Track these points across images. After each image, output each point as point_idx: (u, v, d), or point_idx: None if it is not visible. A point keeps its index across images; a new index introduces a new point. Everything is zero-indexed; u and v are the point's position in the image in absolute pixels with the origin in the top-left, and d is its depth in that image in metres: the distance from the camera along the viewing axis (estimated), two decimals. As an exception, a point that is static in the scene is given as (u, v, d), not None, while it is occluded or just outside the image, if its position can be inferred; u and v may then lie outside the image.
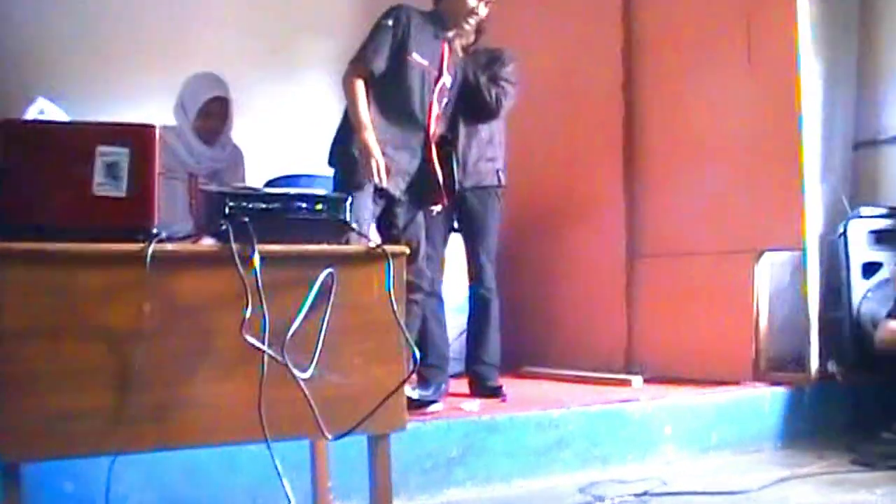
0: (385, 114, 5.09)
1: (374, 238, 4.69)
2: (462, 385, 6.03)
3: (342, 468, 3.78)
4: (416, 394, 5.29)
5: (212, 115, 5.04)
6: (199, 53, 6.28)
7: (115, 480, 3.13)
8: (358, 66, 5.01)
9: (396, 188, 5.13)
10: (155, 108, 5.07)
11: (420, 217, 5.37)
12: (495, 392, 5.79)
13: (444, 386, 5.81)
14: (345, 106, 5.05)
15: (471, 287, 6.00)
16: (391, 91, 5.10)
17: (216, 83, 5.08)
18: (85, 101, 6.01)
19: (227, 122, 5.13)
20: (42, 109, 4.49)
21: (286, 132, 7.34)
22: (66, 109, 5.01)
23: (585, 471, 5.15)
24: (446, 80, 5.33)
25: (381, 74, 5.03)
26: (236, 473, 4.32)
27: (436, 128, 5.30)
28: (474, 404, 5.47)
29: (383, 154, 4.89)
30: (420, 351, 5.81)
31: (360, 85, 4.96)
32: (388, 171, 4.89)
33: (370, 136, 4.87)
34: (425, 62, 5.16)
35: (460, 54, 5.70)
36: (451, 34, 5.35)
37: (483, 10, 5.33)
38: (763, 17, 6.38)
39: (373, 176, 4.81)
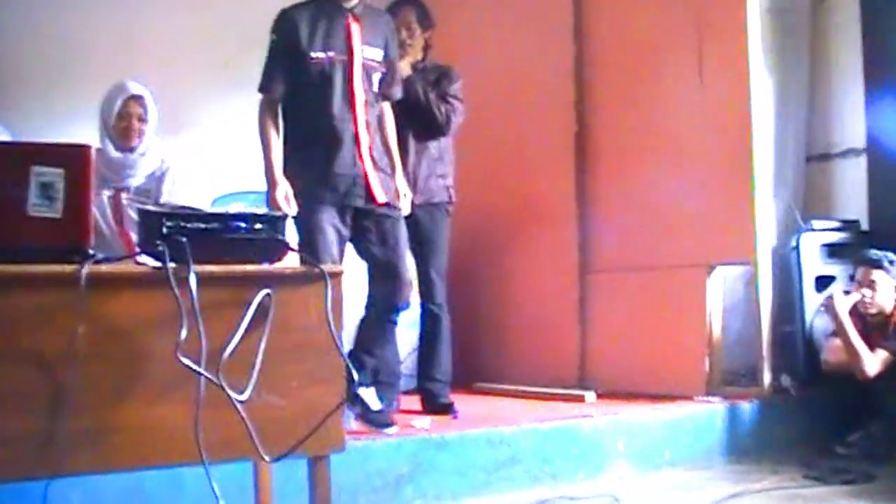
0: (309, 136, 4.96)
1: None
2: (414, 402, 6.01)
3: (289, 489, 3.75)
4: (372, 397, 5.27)
5: (130, 116, 4.99)
6: (147, 70, 6.20)
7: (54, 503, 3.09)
8: (263, 96, 4.98)
9: (355, 199, 4.99)
10: (93, 123, 5.06)
11: (400, 225, 5.19)
12: (447, 409, 5.79)
13: (394, 403, 5.79)
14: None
15: (421, 303, 6.00)
16: (306, 105, 4.96)
17: (132, 86, 5.05)
18: (30, 119, 6.00)
19: (149, 128, 5.07)
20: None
21: (238, 147, 7.29)
22: (12, 128, 4.97)
23: (536, 488, 5.12)
24: (366, 53, 5.03)
25: (290, 93, 4.95)
26: (180, 495, 4.28)
27: (366, 115, 5.02)
28: (425, 421, 5.43)
29: (322, 178, 4.89)
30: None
31: (269, 124, 4.96)
32: (336, 191, 4.90)
33: (281, 194, 4.79)
34: (329, 53, 4.93)
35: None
36: (349, 6, 5.01)
37: None
38: (714, 33, 6.39)
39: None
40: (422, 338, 6.07)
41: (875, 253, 5.99)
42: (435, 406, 5.84)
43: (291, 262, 2.87)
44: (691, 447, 5.82)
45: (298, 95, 4.95)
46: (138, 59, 6.77)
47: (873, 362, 5.74)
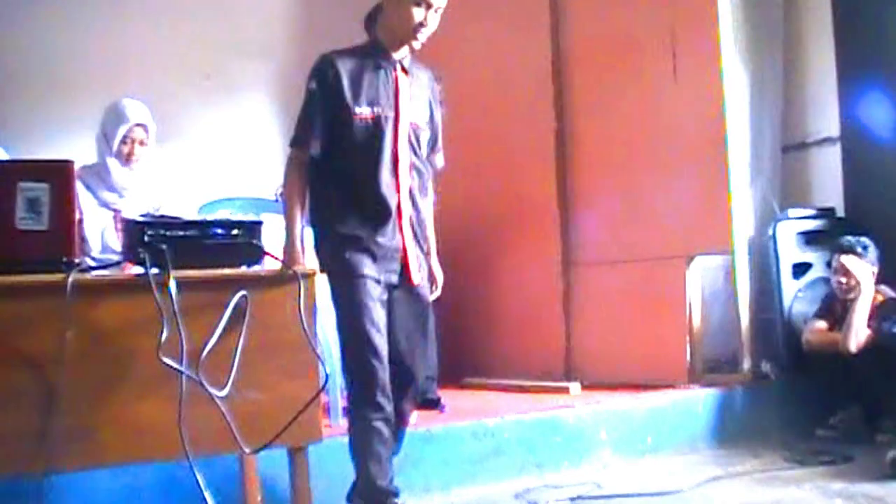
0: (354, 201, 4.24)
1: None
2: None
3: (276, 483, 3.86)
4: None
5: (134, 141, 5.10)
6: (131, 80, 6.33)
7: (50, 504, 3.22)
8: (294, 152, 4.25)
9: (392, 275, 4.27)
10: (89, 136, 5.15)
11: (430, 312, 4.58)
12: (433, 404, 5.88)
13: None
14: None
15: (406, 301, 6.02)
16: (349, 166, 4.23)
17: (138, 110, 5.14)
18: (24, 133, 6.09)
19: (148, 150, 5.18)
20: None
21: (223, 155, 7.41)
22: (4, 141, 5.08)
23: (522, 477, 5.24)
24: (410, 115, 4.33)
25: (327, 152, 4.22)
26: (173, 493, 4.40)
27: (409, 182, 4.32)
28: (412, 415, 5.56)
29: (365, 249, 4.16)
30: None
31: (299, 184, 4.20)
32: (379, 263, 4.18)
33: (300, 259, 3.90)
34: (375, 110, 4.22)
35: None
36: (399, 57, 4.34)
37: (433, 21, 4.31)
38: (688, 27, 6.50)
39: None
40: (409, 335, 6.08)
41: (849, 239, 6.11)
42: (422, 401, 5.91)
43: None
44: (674, 434, 5.93)
45: (338, 154, 4.23)
46: (125, 70, 6.88)
47: (859, 338, 5.84)
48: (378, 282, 4.14)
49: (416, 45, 4.32)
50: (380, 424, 3.95)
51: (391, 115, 4.26)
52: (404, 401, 4.36)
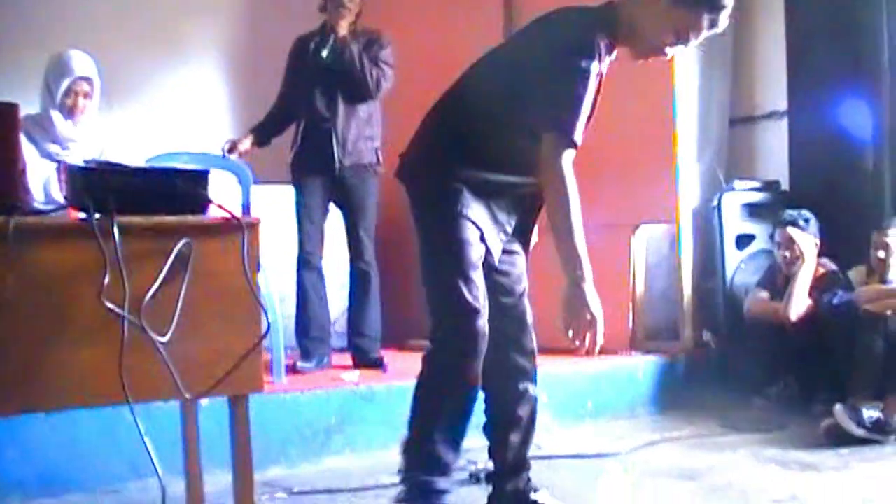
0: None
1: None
2: (346, 359, 6.15)
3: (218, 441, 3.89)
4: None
5: (78, 94, 5.06)
6: (79, 35, 6.27)
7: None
8: (570, 149, 3.38)
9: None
10: (32, 88, 5.10)
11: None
12: (376, 364, 5.93)
13: (326, 359, 5.95)
14: (434, 122, 3.80)
15: (351, 262, 6.12)
16: None
17: (83, 62, 5.09)
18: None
19: (93, 103, 5.15)
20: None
21: (170, 110, 7.38)
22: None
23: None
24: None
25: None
26: (116, 445, 4.42)
27: None
28: (354, 375, 5.60)
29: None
30: (301, 325, 5.96)
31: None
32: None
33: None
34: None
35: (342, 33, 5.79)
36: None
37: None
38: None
39: None
40: (351, 296, 6.18)
41: (791, 212, 6.18)
42: (365, 361, 5.97)
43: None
44: (614, 400, 6.01)
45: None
46: (74, 26, 6.83)
47: (800, 307, 5.92)
48: None
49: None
50: None
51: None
52: None
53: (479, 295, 3.49)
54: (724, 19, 3.44)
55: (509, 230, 3.70)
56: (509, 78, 3.53)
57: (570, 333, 3.41)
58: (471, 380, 3.56)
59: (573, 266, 3.44)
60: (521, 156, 3.52)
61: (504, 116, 3.51)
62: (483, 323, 3.50)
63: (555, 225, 3.42)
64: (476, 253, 3.52)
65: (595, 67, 3.40)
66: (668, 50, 3.59)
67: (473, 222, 3.52)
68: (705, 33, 3.49)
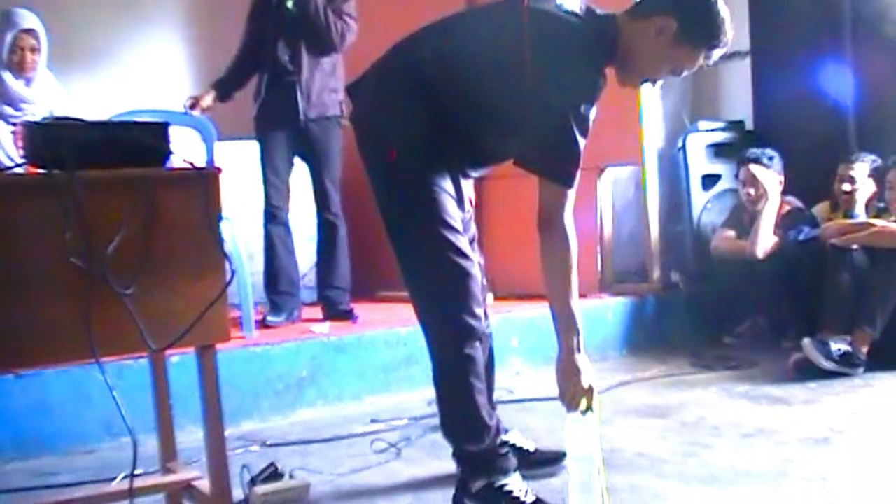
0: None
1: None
2: (316, 312, 6.14)
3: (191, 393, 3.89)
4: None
5: (23, 49, 5.02)
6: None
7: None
8: (566, 194, 3.38)
9: None
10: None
11: None
12: (346, 315, 5.93)
13: (295, 312, 5.95)
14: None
15: (318, 214, 6.08)
16: None
17: (24, 16, 5.05)
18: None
19: (41, 59, 5.11)
20: None
21: (130, 70, 7.32)
22: None
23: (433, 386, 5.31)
24: None
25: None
26: (88, 405, 4.43)
27: None
28: (324, 326, 5.60)
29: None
30: (269, 279, 5.95)
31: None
32: None
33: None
34: None
35: None
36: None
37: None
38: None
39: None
40: (320, 247, 6.15)
41: (754, 151, 6.20)
42: (335, 313, 5.97)
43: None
44: (584, 342, 6.01)
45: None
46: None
47: (766, 244, 5.94)
48: None
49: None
50: None
51: None
52: None
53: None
54: (717, 55, 3.39)
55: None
56: (500, 85, 3.33)
57: (567, 401, 3.35)
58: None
59: (570, 334, 3.45)
60: (495, 149, 3.57)
61: (488, 117, 3.40)
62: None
63: (551, 287, 3.42)
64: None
65: (594, 111, 3.38)
66: (656, 80, 3.61)
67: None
68: (696, 67, 3.44)
